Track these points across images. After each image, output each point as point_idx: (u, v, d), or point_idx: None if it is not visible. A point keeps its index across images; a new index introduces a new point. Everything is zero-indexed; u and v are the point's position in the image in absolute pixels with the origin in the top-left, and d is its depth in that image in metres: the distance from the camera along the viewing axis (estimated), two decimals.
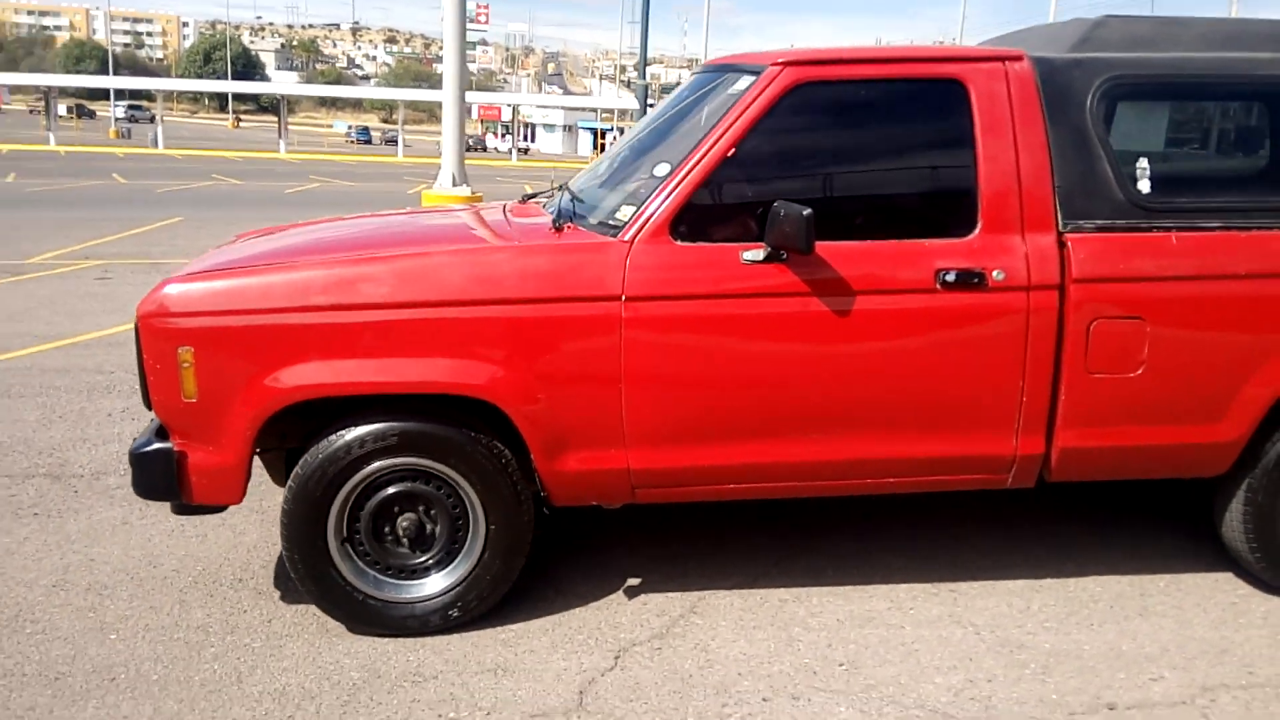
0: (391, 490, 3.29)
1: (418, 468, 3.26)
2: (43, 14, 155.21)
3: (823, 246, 3.21)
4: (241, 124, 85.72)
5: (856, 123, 3.41)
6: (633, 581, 3.78)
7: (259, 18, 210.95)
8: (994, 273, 3.25)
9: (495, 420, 3.25)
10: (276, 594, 3.60)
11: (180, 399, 3.12)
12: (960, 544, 4.14)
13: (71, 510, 4.31)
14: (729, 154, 3.22)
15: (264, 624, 3.43)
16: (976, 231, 3.28)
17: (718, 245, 3.21)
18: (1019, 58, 3.36)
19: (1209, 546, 3.99)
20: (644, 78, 50.15)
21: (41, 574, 3.77)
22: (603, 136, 66.50)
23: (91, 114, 71.96)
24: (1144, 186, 3.36)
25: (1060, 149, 3.33)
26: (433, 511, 3.32)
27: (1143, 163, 3.37)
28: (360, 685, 3.08)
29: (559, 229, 3.37)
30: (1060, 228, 3.32)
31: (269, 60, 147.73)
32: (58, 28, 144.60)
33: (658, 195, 3.23)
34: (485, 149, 67.23)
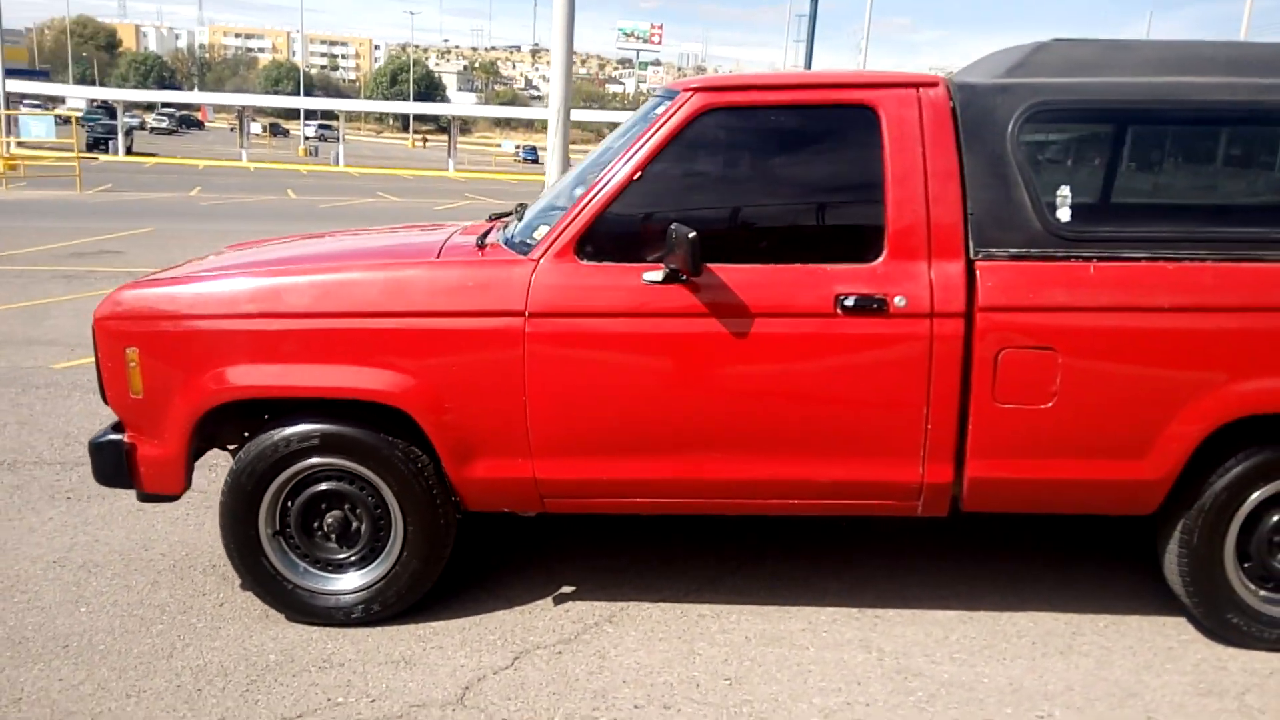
0: (320, 488, 3.47)
1: (344, 468, 3.42)
2: (249, 37, 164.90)
3: (725, 269, 3.24)
4: (428, 143, 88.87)
5: (766, 148, 3.42)
6: (565, 589, 3.87)
7: (445, 40, 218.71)
8: (895, 299, 3.21)
9: (413, 427, 3.38)
10: (238, 581, 3.82)
11: (129, 395, 3.39)
12: (905, 573, 4.08)
13: (99, 496, 4.65)
14: (635, 177, 3.29)
15: (215, 607, 3.67)
16: (882, 258, 3.25)
17: (622, 265, 3.28)
18: (934, 84, 3.31)
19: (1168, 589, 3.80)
20: None
21: (50, 550, 4.12)
22: None
23: (285, 132, 76.17)
24: (1064, 215, 3.25)
25: (976, 175, 3.26)
26: (358, 510, 3.48)
27: (1064, 190, 3.26)
28: (272, 667, 3.27)
29: (482, 247, 3.49)
30: (971, 255, 3.24)
31: (451, 82, 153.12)
32: (261, 50, 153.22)
33: (567, 216, 3.32)
34: None
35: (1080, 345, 3.22)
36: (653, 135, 3.34)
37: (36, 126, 29.11)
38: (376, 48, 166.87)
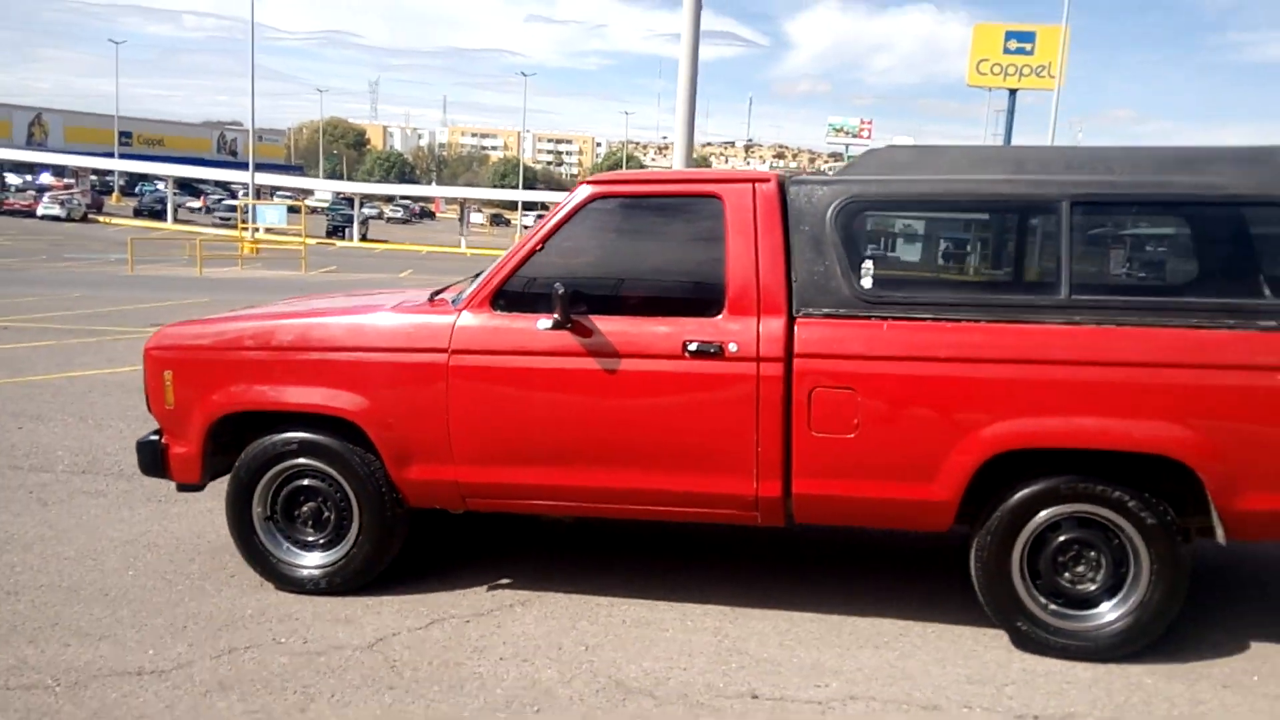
0: (302, 483, 4.35)
1: (317, 469, 4.31)
2: (484, 136, 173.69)
3: (602, 319, 4.01)
4: None
5: (638, 227, 4.19)
6: (502, 580, 4.62)
7: (664, 137, 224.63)
8: (730, 345, 3.90)
9: (367, 438, 4.24)
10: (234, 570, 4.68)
11: (165, 407, 4.38)
12: (789, 581, 4.63)
13: (181, 500, 5.65)
14: (539, 247, 4.10)
15: (227, 577, 4.64)
16: (722, 314, 3.94)
17: (525, 315, 4.09)
18: (767, 180, 4.02)
19: None
20: None
21: (126, 534, 5.21)
22: None
23: (506, 222, 79.36)
24: (867, 283, 3.89)
25: (800, 251, 3.94)
26: (328, 502, 4.35)
27: (867, 264, 3.90)
28: (246, 618, 4.18)
29: (432, 301, 4.36)
30: (793, 313, 3.91)
31: None
32: (494, 148, 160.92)
33: (486, 277, 4.16)
34: None
35: (874, 387, 3.82)
36: (555, 216, 4.16)
37: (271, 214, 32.29)
38: (598, 145, 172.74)
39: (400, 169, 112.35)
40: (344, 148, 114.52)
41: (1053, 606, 3.92)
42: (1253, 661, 3.95)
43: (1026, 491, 3.83)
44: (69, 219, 47.19)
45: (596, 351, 4.02)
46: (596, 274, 4.21)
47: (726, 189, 4.04)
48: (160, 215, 52.43)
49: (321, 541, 4.44)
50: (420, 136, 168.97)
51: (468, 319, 4.15)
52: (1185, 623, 4.21)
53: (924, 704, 3.56)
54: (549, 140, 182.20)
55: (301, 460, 4.35)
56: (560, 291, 3.90)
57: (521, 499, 4.25)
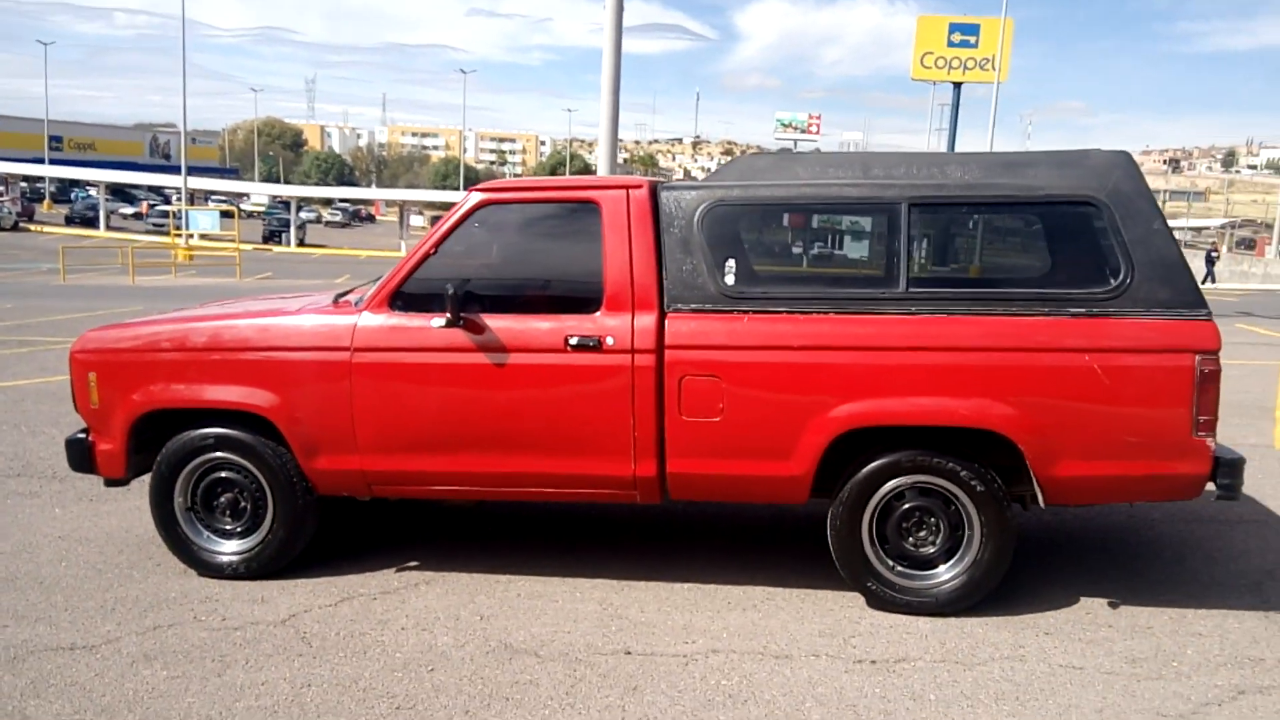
0: (219, 475, 4.67)
1: (233, 461, 4.62)
2: (424, 135, 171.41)
3: (491, 317, 4.38)
4: None
5: (524, 231, 4.57)
6: (410, 562, 4.97)
7: None
8: (607, 339, 4.29)
9: (278, 431, 4.57)
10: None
11: (90, 406, 4.66)
12: (678, 558, 5.06)
13: (110, 498, 5.92)
14: (432, 252, 4.46)
15: (153, 566, 4.93)
16: (600, 310, 4.33)
17: (421, 314, 4.44)
18: (640, 186, 4.42)
19: None
20: None
21: (60, 530, 5.46)
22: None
23: None
24: (730, 280, 4.31)
25: (671, 252, 4.34)
26: (244, 493, 4.66)
27: (730, 263, 4.32)
28: (169, 600, 4.48)
29: (336, 303, 4.70)
30: (664, 309, 4.31)
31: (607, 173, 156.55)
32: (435, 147, 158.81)
33: (384, 279, 4.51)
34: None
35: (735, 375, 4.24)
36: (447, 222, 4.52)
37: (204, 220, 31.96)
38: (543, 144, 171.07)
39: (339, 170, 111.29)
40: (280, 149, 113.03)
41: (899, 568, 4.37)
42: (1076, 613, 4.44)
43: (872, 465, 4.28)
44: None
45: (486, 347, 4.39)
46: (486, 275, 4.58)
47: (603, 195, 4.43)
48: (93, 223, 51.57)
49: (239, 530, 4.76)
50: (359, 136, 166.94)
51: (368, 319, 4.50)
52: (1026, 582, 4.71)
53: (777, 654, 3.99)
54: (492, 139, 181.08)
55: (218, 454, 4.67)
56: (450, 292, 4.27)
57: (422, 485, 4.60)
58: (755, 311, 4.28)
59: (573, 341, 4.33)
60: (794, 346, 4.22)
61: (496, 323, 4.40)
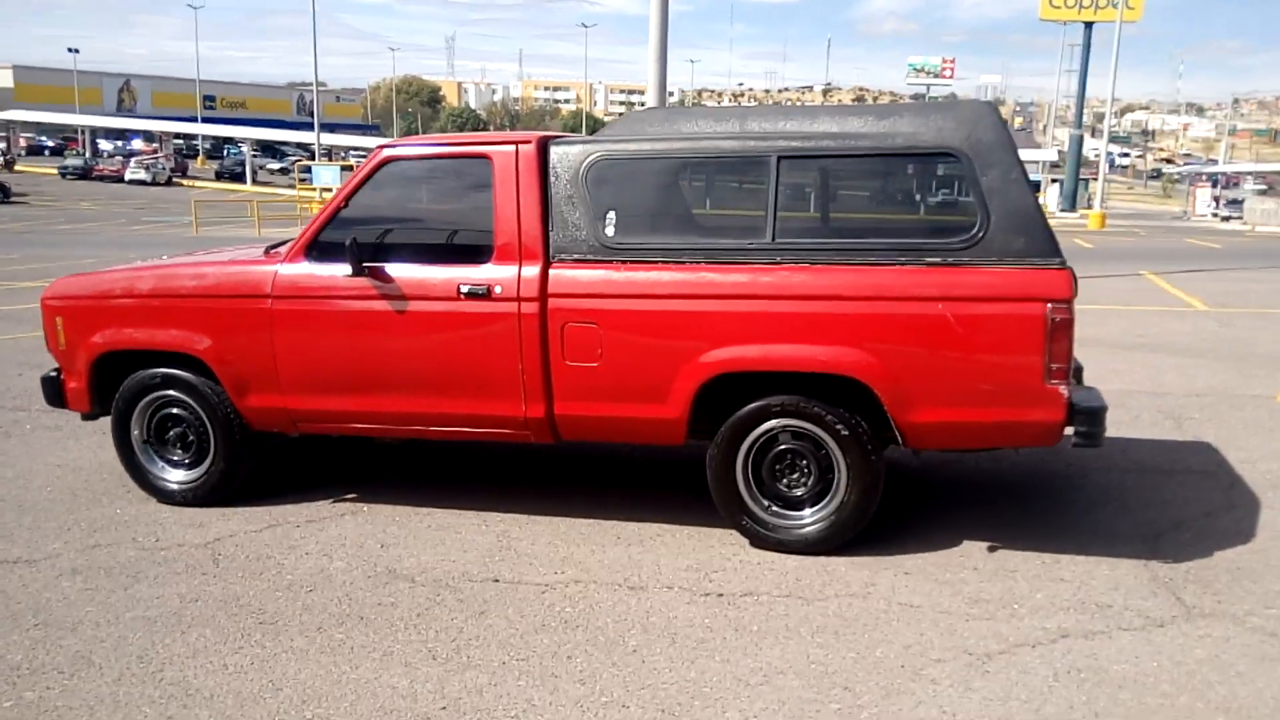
0: (170, 411, 5.06)
1: (178, 399, 5.01)
2: (556, 89, 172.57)
3: (393, 267, 4.62)
4: None
5: (425, 186, 4.77)
6: (348, 496, 5.29)
7: (740, 84, 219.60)
8: (495, 288, 4.47)
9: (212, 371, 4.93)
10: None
11: (58, 347, 5.12)
12: (591, 492, 5.25)
13: (88, 432, 6.38)
14: (342, 205, 4.70)
15: (123, 493, 5.34)
16: (491, 260, 4.50)
17: (332, 263, 4.69)
18: (529, 141, 4.54)
19: None
20: (1078, 126, 48.27)
21: (51, 460, 5.90)
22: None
23: None
24: (610, 232, 4.41)
25: (557, 205, 4.47)
26: (190, 428, 5.05)
27: (610, 215, 4.41)
28: (124, 522, 4.92)
29: (267, 254, 5.00)
30: (549, 259, 4.45)
31: None
32: (566, 101, 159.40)
33: (302, 231, 4.78)
34: None
35: (612, 322, 4.36)
36: (356, 176, 4.75)
37: (325, 175, 33.28)
38: (671, 94, 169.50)
39: (474, 125, 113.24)
40: (419, 105, 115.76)
41: (774, 507, 4.45)
42: (950, 555, 4.44)
43: (745, 409, 4.35)
44: (154, 183, 49.24)
45: (389, 295, 4.61)
46: (393, 227, 4.80)
47: (494, 150, 4.57)
48: (240, 178, 54.27)
49: (186, 461, 5.16)
50: (494, 91, 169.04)
51: (286, 269, 4.78)
52: (918, 525, 4.74)
53: (633, 585, 4.14)
54: (621, 91, 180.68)
55: (166, 392, 5.06)
56: (348, 244, 4.50)
57: (339, 423, 4.89)
58: (632, 261, 4.37)
59: (464, 290, 4.51)
60: (664, 295, 4.30)
61: (398, 272, 4.61)
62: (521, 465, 5.82)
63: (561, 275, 4.43)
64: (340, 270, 4.67)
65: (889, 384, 4.12)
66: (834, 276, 4.15)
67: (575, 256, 4.45)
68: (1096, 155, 46.69)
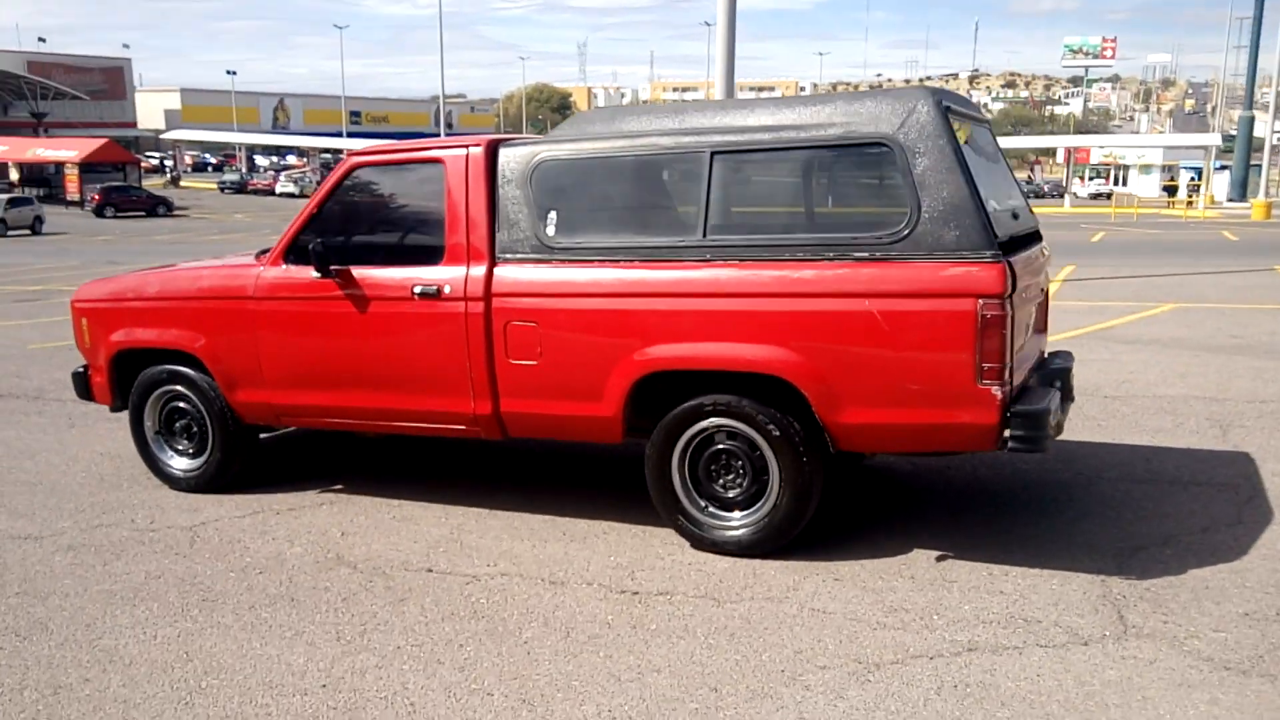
0: (177, 405, 5.44)
1: (183, 394, 5.38)
2: (685, 90, 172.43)
3: (357, 269, 4.82)
4: None
5: (389, 190, 4.97)
6: (335, 487, 5.55)
7: (878, 75, 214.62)
8: (445, 288, 4.63)
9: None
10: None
11: (85, 345, 5.56)
12: (556, 489, 5.36)
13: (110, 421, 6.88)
14: (315, 211, 4.95)
15: (144, 476, 5.72)
16: (441, 261, 4.67)
17: (306, 267, 4.94)
18: (479, 145, 4.67)
19: None
20: (1249, 107, 45.12)
21: (75, 450, 6.37)
22: (1193, 179, 55.36)
23: None
24: (550, 232, 4.50)
25: (504, 206, 4.59)
26: (193, 420, 5.41)
27: (552, 216, 4.50)
28: (134, 505, 5.30)
29: (256, 258, 5.30)
30: (494, 260, 4.58)
31: None
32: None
33: (282, 235, 5.05)
34: (1060, 195, 57.58)
35: (550, 320, 4.44)
36: (326, 183, 4.99)
37: None
38: (802, 89, 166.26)
39: None
40: (549, 112, 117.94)
41: (710, 508, 4.43)
42: (892, 563, 4.32)
43: (679, 409, 4.36)
44: (302, 195, 51.96)
45: (353, 296, 4.83)
46: (358, 230, 5.01)
47: (446, 154, 4.73)
48: None
49: (190, 451, 5.51)
50: (623, 95, 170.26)
51: (267, 272, 5.06)
52: (875, 532, 4.68)
53: (555, 580, 4.21)
54: (750, 89, 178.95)
55: (173, 387, 5.42)
56: (312, 247, 4.74)
57: (315, 417, 5.15)
58: (569, 261, 4.45)
59: (417, 290, 4.68)
60: (597, 294, 4.35)
61: (361, 274, 4.82)
62: (509, 463, 5.96)
63: (504, 275, 4.54)
64: (311, 272, 4.90)
65: (816, 384, 4.06)
66: (759, 273, 4.11)
67: (519, 256, 4.55)
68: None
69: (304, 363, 4.99)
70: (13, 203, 37.22)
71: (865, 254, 4.00)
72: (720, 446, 4.37)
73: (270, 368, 5.07)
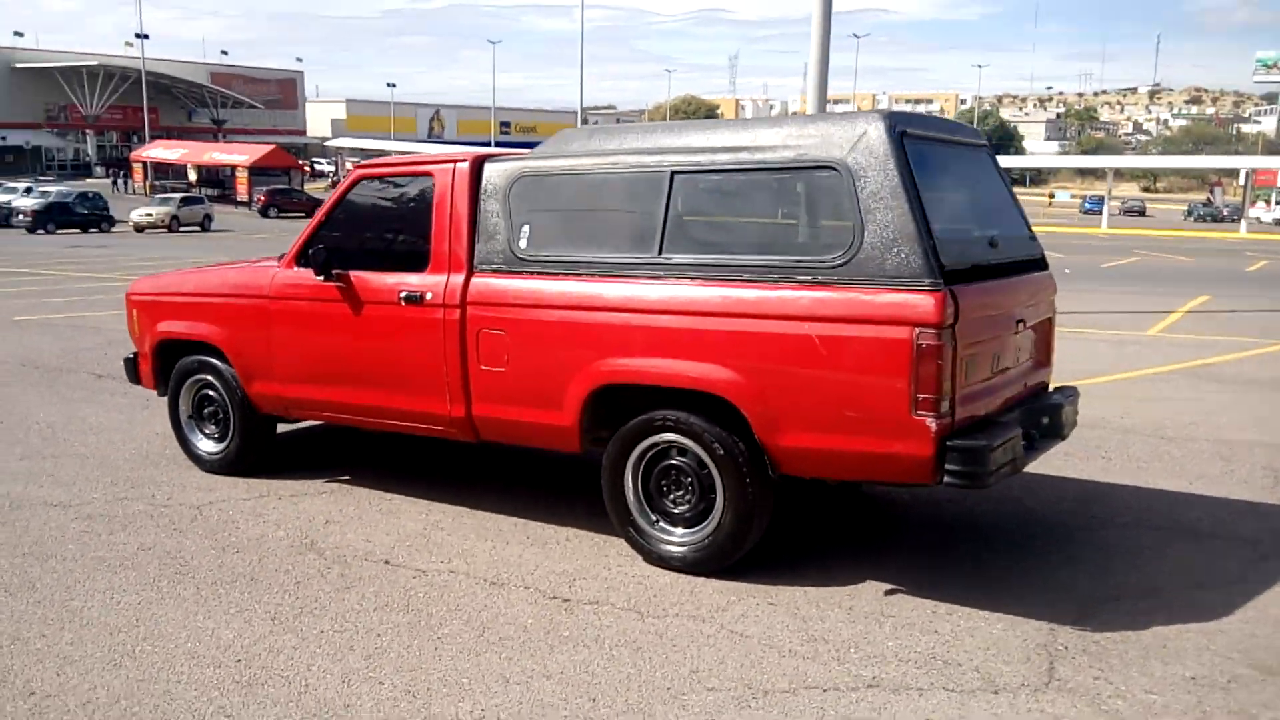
0: (207, 393, 5.86)
1: (211, 383, 5.79)
2: (836, 102, 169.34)
3: (355, 274, 5.10)
4: None
5: (389, 200, 5.20)
6: (341, 476, 5.86)
7: (1049, 88, 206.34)
8: (427, 295, 4.85)
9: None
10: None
11: (135, 333, 6.06)
12: (537, 493, 5.48)
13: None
14: (324, 218, 5.27)
15: (175, 453, 6.15)
16: (427, 269, 4.90)
17: (313, 269, 5.25)
18: (465, 160, 4.87)
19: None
20: None
21: (118, 427, 6.89)
22: None
23: None
24: (523, 244, 4.66)
25: (484, 218, 4.78)
26: (219, 408, 5.82)
27: (525, 229, 4.67)
28: (161, 483, 5.73)
29: (279, 259, 5.67)
30: (472, 269, 4.77)
31: (1038, 131, 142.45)
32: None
33: (296, 239, 5.39)
34: (1237, 219, 54.02)
35: (516, 330, 4.59)
36: (336, 193, 5.30)
37: None
38: (962, 101, 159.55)
39: None
40: None
41: (661, 523, 4.49)
42: (836, 593, 4.26)
43: (632, 422, 4.44)
44: None
45: (349, 299, 5.10)
46: (359, 237, 5.27)
47: (436, 168, 4.94)
48: None
49: (216, 435, 5.91)
50: (772, 107, 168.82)
51: (280, 273, 5.39)
52: (841, 559, 4.65)
53: (494, 581, 4.35)
54: (906, 101, 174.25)
55: (203, 375, 5.83)
56: (312, 252, 5.04)
57: (317, 411, 5.46)
58: (537, 273, 4.59)
59: (403, 296, 4.91)
60: (558, 305, 4.48)
61: (359, 278, 5.09)
62: (512, 466, 6.11)
63: (479, 284, 4.72)
64: (316, 276, 5.20)
65: (756, 405, 4.07)
66: (707, 292, 4.16)
67: (494, 267, 4.72)
68: None
69: (308, 360, 5.29)
70: (185, 201, 40.16)
71: (808, 277, 3.98)
72: (673, 462, 4.41)
73: (280, 363, 5.39)
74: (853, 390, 3.89)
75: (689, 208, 4.35)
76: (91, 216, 37.97)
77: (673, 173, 4.31)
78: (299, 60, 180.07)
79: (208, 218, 39.54)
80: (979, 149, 4.81)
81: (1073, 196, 73.10)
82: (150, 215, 38.39)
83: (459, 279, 4.76)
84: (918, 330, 3.73)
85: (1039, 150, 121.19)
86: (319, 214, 5.32)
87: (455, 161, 4.89)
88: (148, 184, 54.67)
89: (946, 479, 3.82)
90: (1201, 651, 3.78)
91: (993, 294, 4.18)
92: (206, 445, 5.92)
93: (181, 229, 38.29)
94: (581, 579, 4.37)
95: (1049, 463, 6.26)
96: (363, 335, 5.06)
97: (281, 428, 6.25)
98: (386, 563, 4.55)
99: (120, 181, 58.77)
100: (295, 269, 5.33)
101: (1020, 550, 4.81)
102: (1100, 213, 55.62)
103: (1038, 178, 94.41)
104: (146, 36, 63.35)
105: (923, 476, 3.88)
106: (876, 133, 3.93)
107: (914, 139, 4.06)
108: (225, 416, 5.81)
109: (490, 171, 4.80)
